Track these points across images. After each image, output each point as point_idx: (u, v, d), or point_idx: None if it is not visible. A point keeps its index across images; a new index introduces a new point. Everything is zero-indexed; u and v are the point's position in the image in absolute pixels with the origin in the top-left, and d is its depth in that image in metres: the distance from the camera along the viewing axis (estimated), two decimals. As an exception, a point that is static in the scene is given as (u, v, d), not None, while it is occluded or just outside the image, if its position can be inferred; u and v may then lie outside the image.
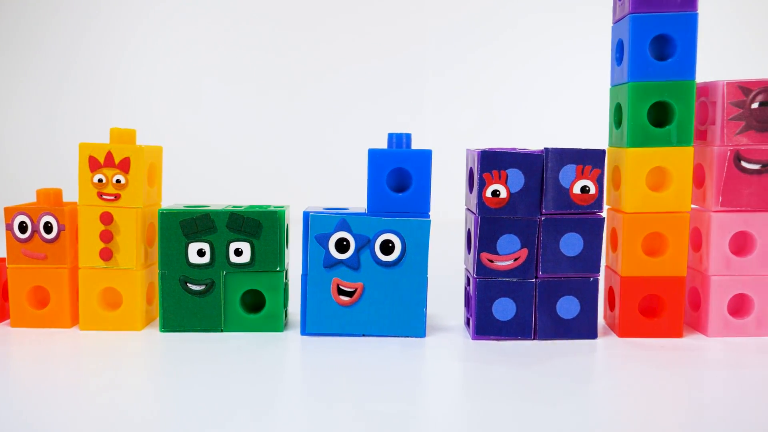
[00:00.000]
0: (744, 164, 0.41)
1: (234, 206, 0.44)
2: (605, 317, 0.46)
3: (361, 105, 1.17)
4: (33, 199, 0.48)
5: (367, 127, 1.16)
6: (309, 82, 1.20)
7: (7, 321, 0.45)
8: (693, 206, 0.44)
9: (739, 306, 0.43)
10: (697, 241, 0.43)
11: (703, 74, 0.42)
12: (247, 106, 1.20)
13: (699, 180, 0.43)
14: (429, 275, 0.42)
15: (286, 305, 0.45)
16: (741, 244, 0.42)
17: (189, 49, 1.20)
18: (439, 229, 0.50)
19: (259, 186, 1.14)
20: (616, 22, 0.43)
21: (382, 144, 0.44)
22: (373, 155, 0.42)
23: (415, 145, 0.46)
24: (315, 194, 1.04)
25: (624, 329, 0.42)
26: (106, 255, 0.42)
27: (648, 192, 0.41)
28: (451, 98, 1.16)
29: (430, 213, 0.42)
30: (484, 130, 1.15)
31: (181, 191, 0.87)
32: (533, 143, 0.50)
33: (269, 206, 0.44)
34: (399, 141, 0.43)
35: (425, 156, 0.42)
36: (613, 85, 0.43)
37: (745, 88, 0.40)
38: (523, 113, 1.17)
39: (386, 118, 1.16)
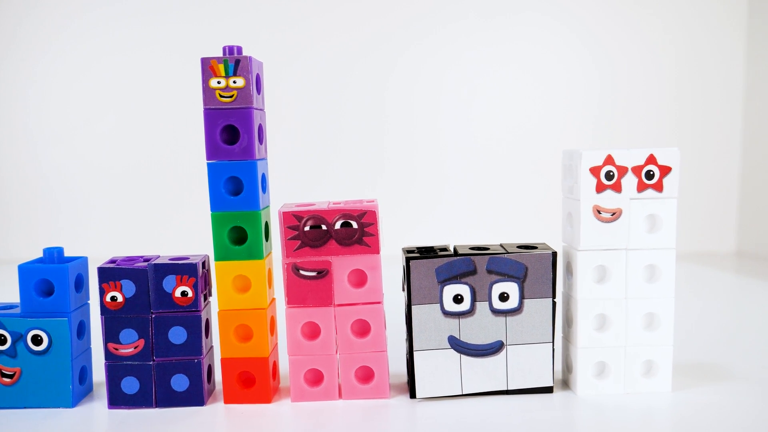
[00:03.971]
0: (302, 272, 0.53)
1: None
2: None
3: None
4: None
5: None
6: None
7: None
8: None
9: (319, 377, 0.55)
10: (289, 327, 0.56)
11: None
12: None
13: (288, 280, 0.55)
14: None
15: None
16: (314, 330, 0.55)
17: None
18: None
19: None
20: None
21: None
22: (23, 270, 0.54)
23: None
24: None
25: (227, 397, 0.55)
26: None
27: (235, 294, 0.54)
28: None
29: (71, 313, 0.54)
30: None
31: None
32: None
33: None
34: (51, 255, 0.55)
35: (63, 269, 0.54)
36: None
37: (297, 215, 0.53)
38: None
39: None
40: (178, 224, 1.32)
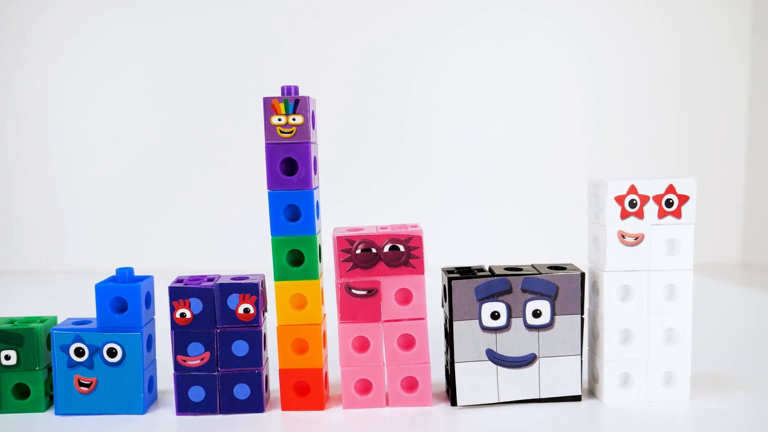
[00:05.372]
0: (354, 291, 0.59)
1: (8, 319, 0.62)
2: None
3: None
4: None
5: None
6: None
7: None
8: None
9: (368, 386, 0.61)
10: (339, 340, 0.61)
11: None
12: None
13: (339, 297, 0.61)
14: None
15: (50, 391, 0.62)
16: (364, 344, 0.60)
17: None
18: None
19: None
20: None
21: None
22: (99, 289, 0.59)
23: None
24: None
25: (284, 405, 0.60)
26: None
27: (292, 311, 0.59)
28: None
29: (142, 328, 0.59)
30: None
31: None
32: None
33: (36, 318, 0.62)
34: (123, 274, 0.60)
35: (136, 288, 0.59)
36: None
37: (350, 239, 0.58)
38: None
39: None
40: (217, 240, 1.37)
